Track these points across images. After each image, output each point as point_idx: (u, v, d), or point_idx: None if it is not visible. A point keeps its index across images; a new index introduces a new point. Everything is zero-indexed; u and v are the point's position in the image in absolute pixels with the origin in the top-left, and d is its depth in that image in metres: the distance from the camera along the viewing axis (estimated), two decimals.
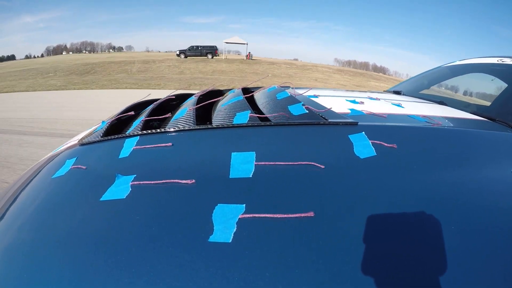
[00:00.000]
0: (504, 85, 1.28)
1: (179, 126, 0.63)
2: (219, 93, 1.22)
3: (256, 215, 0.36)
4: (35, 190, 0.54)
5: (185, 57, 21.26)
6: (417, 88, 1.54)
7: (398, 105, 0.89)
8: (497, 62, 1.30)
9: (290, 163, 0.46)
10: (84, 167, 0.53)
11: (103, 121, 0.83)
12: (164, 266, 0.31)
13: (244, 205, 0.38)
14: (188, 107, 0.79)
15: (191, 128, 0.61)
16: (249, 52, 24.61)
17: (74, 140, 0.79)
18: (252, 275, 0.30)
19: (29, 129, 3.68)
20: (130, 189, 0.43)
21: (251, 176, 0.43)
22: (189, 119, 0.67)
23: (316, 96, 0.94)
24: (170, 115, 0.79)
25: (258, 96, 0.93)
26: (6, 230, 0.43)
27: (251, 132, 0.58)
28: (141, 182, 0.44)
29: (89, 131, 0.87)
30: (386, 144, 0.52)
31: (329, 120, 0.60)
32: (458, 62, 1.60)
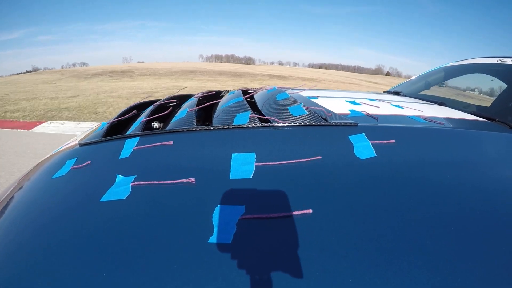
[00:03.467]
0: (503, 85, 1.28)
1: (179, 127, 0.63)
2: (219, 94, 1.22)
3: (256, 216, 0.36)
4: (35, 190, 0.54)
5: None
6: (417, 89, 1.54)
7: (398, 106, 0.89)
8: (497, 63, 1.30)
9: (290, 163, 0.46)
10: (84, 168, 0.53)
11: (103, 122, 0.84)
12: (164, 267, 0.31)
13: (244, 206, 0.38)
14: (188, 108, 0.79)
15: (191, 129, 0.61)
16: None
17: (74, 141, 0.79)
18: (252, 276, 0.30)
19: None
20: (131, 190, 0.43)
21: (251, 177, 0.43)
22: (189, 120, 0.67)
23: (316, 97, 0.94)
24: (170, 116, 0.79)
25: (258, 97, 0.93)
26: (6, 230, 0.43)
27: (251, 133, 0.58)
28: (142, 183, 0.44)
29: (88, 132, 0.87)
30: (386, 145, 0.52)
31: (329, 121, 0.60)
32: (458, 63, 1.60)
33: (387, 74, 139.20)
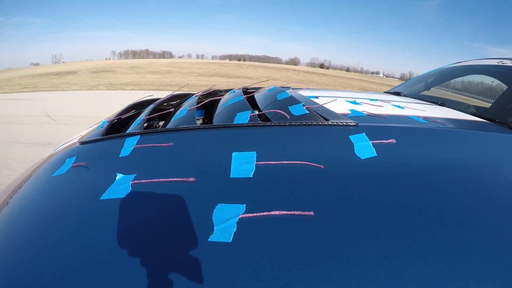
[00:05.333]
0: (504, 86, 1.28)
1: (179, 125, 0.63)
2: (219, 93, 1.22)
3: (257, 215, 0.36)
4: (35, 189, 0.54)
5: None
6: (417, 89, 1.55)
7: (398, 106, 0.89)
8: (498, 64, 1.30)
9: (291, 163, 0.46)
10: (84, 166, 0.53)
11: (103, 121, 0.83)
12: (164, 266, 0.31)
13: (245, 205, 0.38)
14: (188, 106, 0.79)
15: (192, 127, 0.61)
16: None
17: (74, 139, 0.79)
18: (252, 275, 0.30)
19: None
20: (131, 188, 0.43)
21: (251, 176, 0.43)
22: (190, 118, 0.67)
23: (316, 97, 0.94)
24: (170, 115, 0.79)
25: (259, 97, 0.93)
26: (6, 229, 0.43)
27: (252, 132, 0.58)
28: (142, 181, 0.44)
29: (89, 130, 0.87)
30: (386, 145, 0.52)
31: (330, 121, 0.60)
32: (458, 64, 1.60)
33: (321, 66, 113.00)
